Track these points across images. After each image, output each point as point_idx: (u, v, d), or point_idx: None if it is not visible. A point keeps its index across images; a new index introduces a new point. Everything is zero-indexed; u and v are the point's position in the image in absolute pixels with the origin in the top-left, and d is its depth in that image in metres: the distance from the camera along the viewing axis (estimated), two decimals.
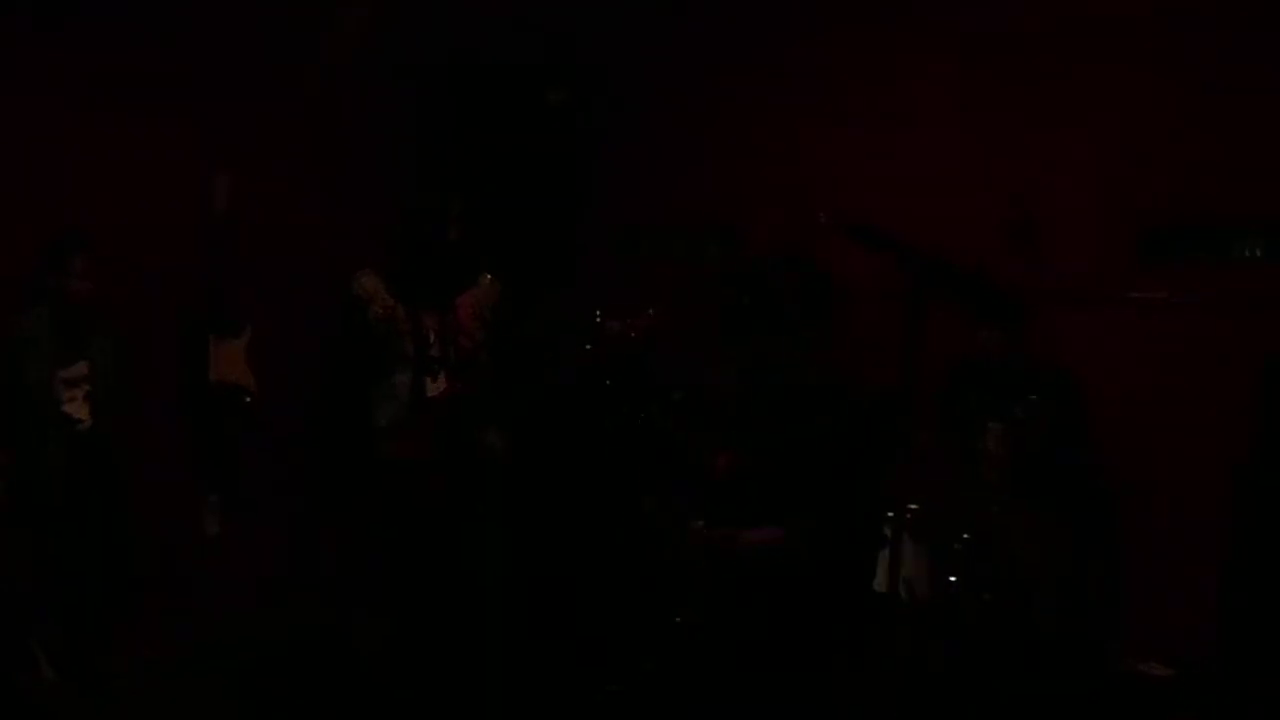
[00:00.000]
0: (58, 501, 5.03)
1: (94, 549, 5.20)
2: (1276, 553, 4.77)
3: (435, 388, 4.94)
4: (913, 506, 4.53)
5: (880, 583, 4.51)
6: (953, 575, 4.51)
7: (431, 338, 5.00)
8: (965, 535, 4.56)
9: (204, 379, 6.03)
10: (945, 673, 4.47)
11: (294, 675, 5.23)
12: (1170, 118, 5.50)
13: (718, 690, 4.40)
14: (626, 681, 4.69)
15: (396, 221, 5.40)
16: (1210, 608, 4.96)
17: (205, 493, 6.16)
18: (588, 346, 5.48)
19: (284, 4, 6.60)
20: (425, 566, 5.05)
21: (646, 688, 4.62)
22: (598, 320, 5.66)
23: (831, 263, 5.30)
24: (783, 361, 4.88)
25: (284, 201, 6.56)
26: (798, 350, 4.88)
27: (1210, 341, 5.34)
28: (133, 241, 5.78)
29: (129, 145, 6.00)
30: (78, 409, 5.16)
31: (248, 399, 6.12)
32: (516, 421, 5.14)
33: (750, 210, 6.87)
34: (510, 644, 5.04)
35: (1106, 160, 5.64)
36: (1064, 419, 4.95)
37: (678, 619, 4.57)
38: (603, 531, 5.41)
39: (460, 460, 4.93)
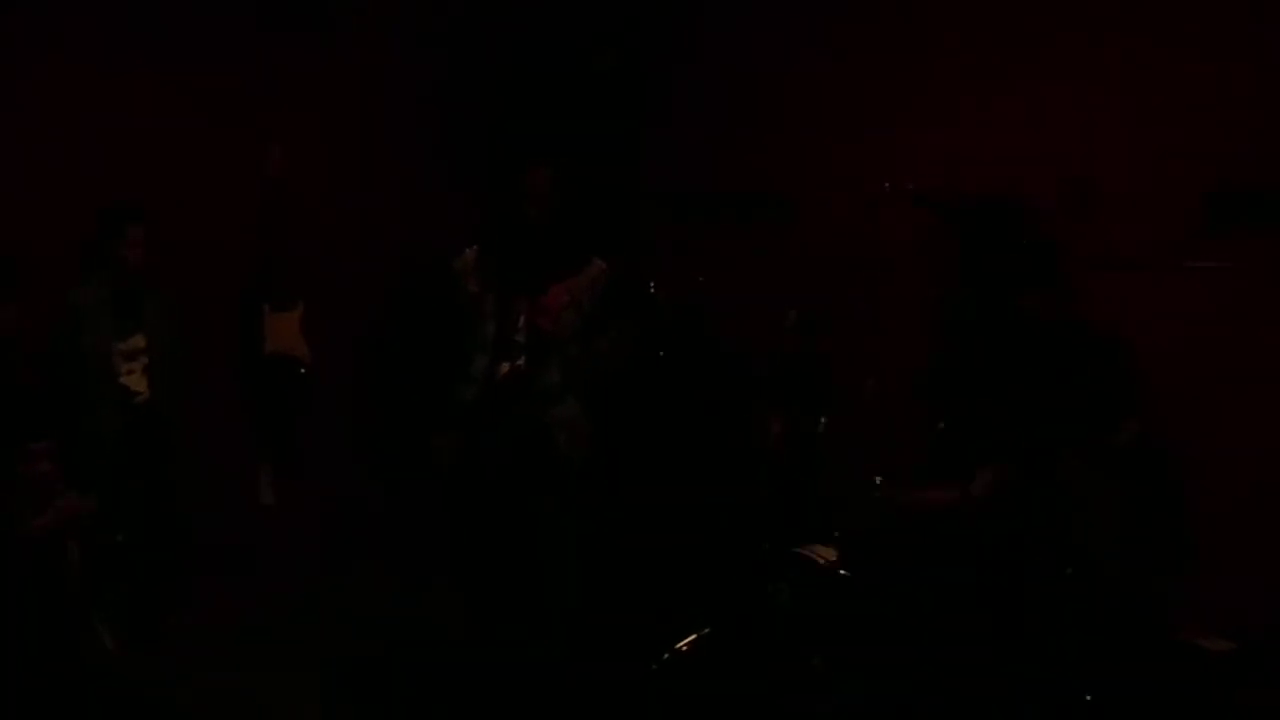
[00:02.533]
0: (116, 473, 5.06)
1: (152, 520, 5.24)
2: None
3: (503, 369, 4.87)
4: None
5: None
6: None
7: (520, 321, 4.92)
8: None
9: (259, 350, 6.06)
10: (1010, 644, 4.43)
11: (352, 645, 5.26)
12: (1235, 82, 5.38)
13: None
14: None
15: (460, 196, 5.36)
16: (1273, 582, 4.90)
17: (261, 463, 6.20)
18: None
19: None
20: (488, 542, 5.03)
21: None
22: (651, 290, 5.63)
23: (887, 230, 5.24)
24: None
25: (339, 174, 6.58)
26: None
27: (1273, 310, 5.24)
28: (188, 213, 5.80)
29: (187, 115, 6.02)
30: (136, 381, 5.19)
31: (302, 370, 6.15)
32: (592, 397, 5.05)
33: (804, 179, 6.81)
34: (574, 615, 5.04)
35: (1169, 126, 5.53)
36: (1117, 387, 4.87)
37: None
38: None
39: (523, 439, 4.86)
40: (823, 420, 5.51)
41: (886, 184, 4.34)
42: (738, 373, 6.09)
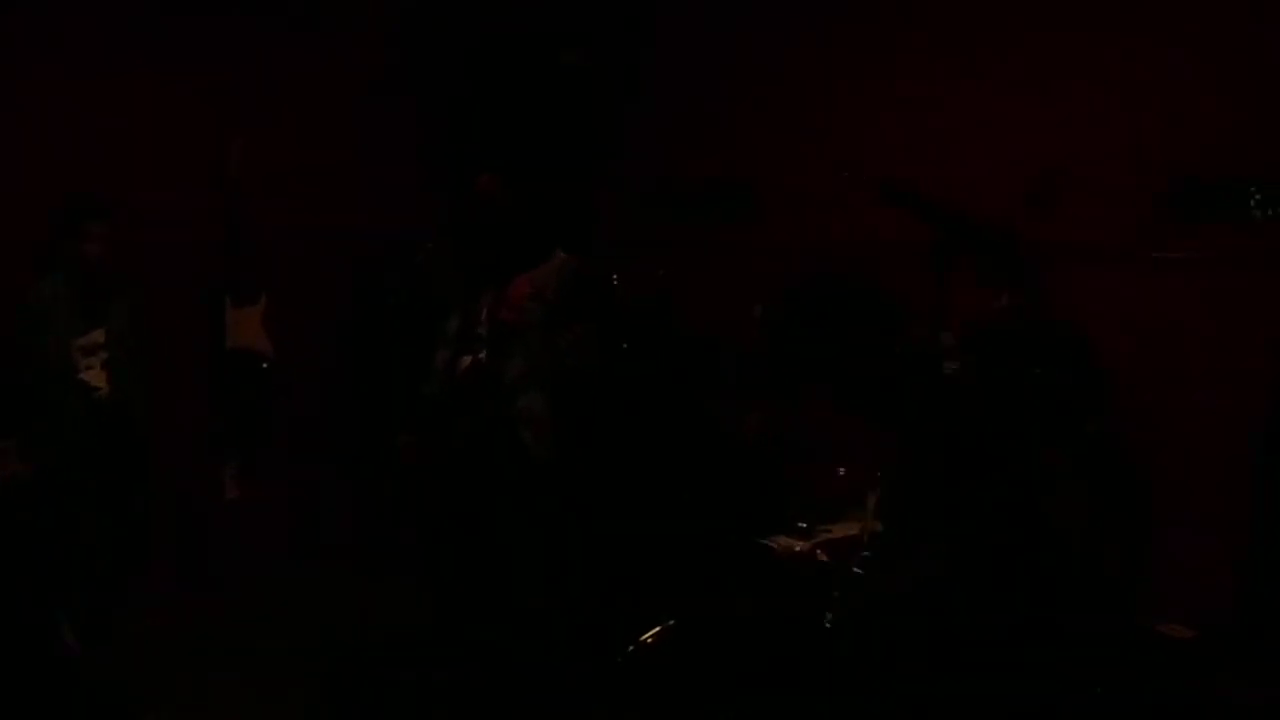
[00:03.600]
0: (77, 470, 5.03)
1: (114, 516, 5.20)
2: None
3: (465, 363, 4.85)
4: None
5: None
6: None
7: (483, 314, 4.90)
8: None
9: (222, 345, 6.03)
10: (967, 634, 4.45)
11: (317, 641, 5.24)
12: (1196, 75, 5.42)
13: None
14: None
15: (432, 191, 5.33)
16: (1232, 570, 4.94)
17: (224, 459, 6.16)
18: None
19: None
20: (453, 536, 5.02)
21: None
22: (614, 282, 5.62)
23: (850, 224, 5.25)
24: None
25: (302, 167, 6.55)
26: None
27: (1234, 300, 5.28)
28: (150, 207, 5.77)
29: (147, 109, 5.98)
30: (95, 377, 5.15)
31: (265, 365, 6.12)
32: (557, 390, 5.03)
33: (771, 171, 6.82)
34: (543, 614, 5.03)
35: (1130, 119, 5.57)
36: (1079, 379, 4.92)
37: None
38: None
39: (487, 433, 4.84)
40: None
41: (845, 172, 4.34)
42: (703, 365, 6.09)
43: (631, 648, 4.82)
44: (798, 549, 4.65)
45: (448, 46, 7.28)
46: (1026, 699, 4.20)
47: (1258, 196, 5.30)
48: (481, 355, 4.82)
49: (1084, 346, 5.05)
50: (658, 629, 4.85)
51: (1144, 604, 5.15)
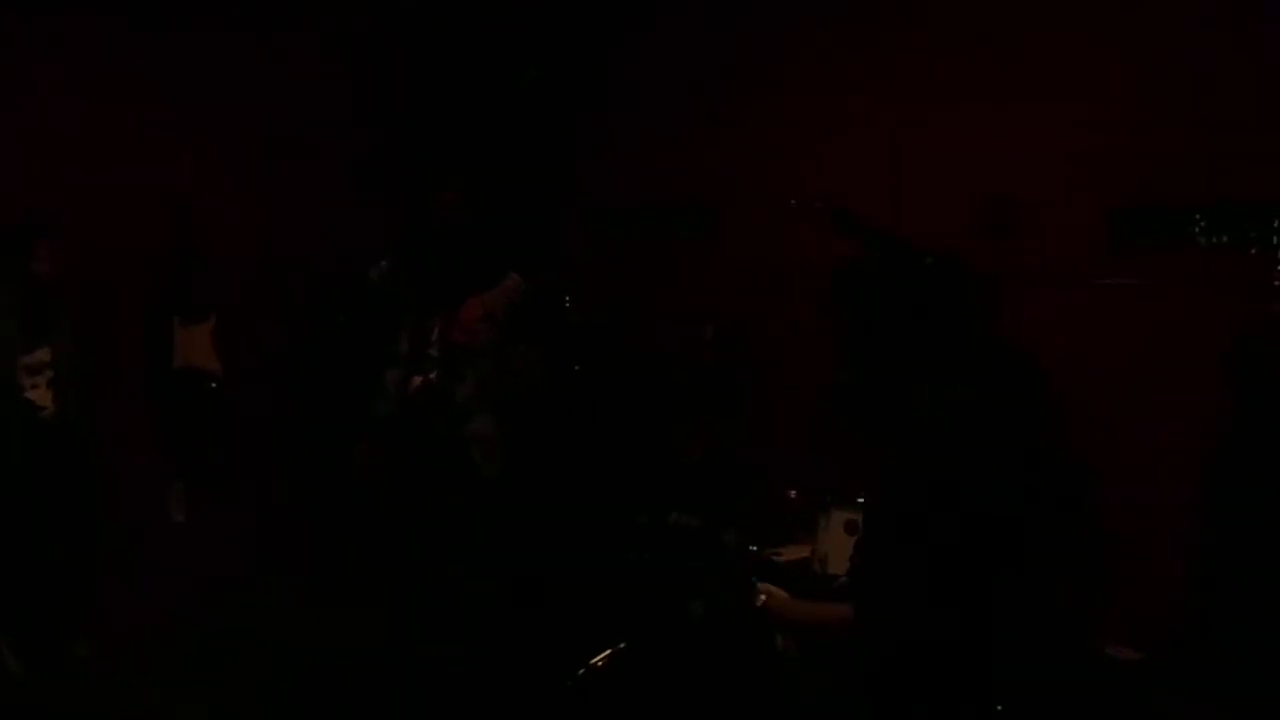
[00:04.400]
0: (22, 490, 4.97)
1: (59, 537, 5.14)
2: (1245, 538, 4.79)
3: (415, 383, 4.83)
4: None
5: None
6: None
7: (434, 335, 4.88)
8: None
9: (169, 364, 5.98)
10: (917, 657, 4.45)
11: (266, 661, 5.19)
12: (1140, 104, 5.49)
13: None
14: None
15: (390, 211, 5.28)
16: (1180, 592, 4.98)
17: (172, 479, 6.11)
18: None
19: None
20: (404, 556, 4.99)
21: None
22: (567, 304, 5.61)
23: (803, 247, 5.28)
24: None
25: (253, 184, 6.51)
26: None
27: (1180, 326, 5.34)
28: (97, 224, 5.71)
29: (97, 126, 5.93)
30: (41, 396, 5.10)
31: (213, 384, 6.07)
32: (507, 412, 5.01)
33: (724, 192, 6.85)
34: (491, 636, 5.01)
35: (1077, 146, 5.62)
36: (1028, 403, 4.95)
37: None
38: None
39: (437, 454, 4.82)
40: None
41: (793, 200, 4.37)
42: (655, 387, 6.10)
43: (582, 670, 4.81)
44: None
45: (404, 64, 7.26)
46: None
47: (1203, 223, 5.38)
48: (432, 376, 4.81)
49: (1033, 368, 5.09)
50: (608, 652, 4.84)
51: (1092, 626, 5.19)
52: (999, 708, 3.82)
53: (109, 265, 5.75)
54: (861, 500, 4.17)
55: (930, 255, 3.84)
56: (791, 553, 4.94)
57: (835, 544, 4.72)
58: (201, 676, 5.07)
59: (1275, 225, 5.22)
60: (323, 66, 6.99)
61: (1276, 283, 4.87)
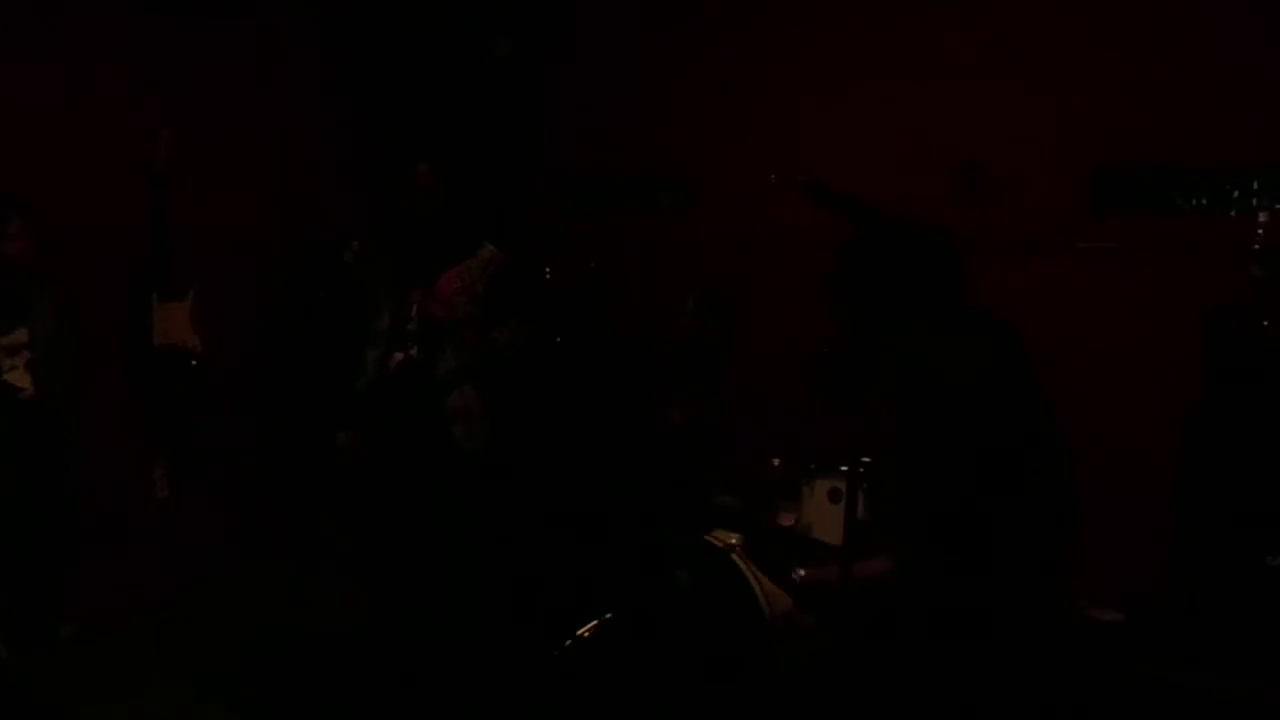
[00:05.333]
0: (2, 471, 4.94)
1: (42, 518, 5.12)
2: (1225, 500, 4.83)
3: (396, 359, 4.80)
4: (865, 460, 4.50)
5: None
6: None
7: (413, 311, 4.85)
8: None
9: (149, 342, 5.94)
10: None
11: (251, 639, 5.20)
12: (1118, 68, 5.50)
13: None
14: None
15: (361, 186, 5.26)
16: (1162, 556, 5.02)
17: (154, 457, 6.08)
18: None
19: None
20: (386, 533, 4.98)
21: None
22: (546, 276, 5.59)
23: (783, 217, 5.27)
24: None
25: (229, 162, 6.46)
26: None
27: (1159, 290, 5.37)
28: (74, 202, 5.66)
29: (73, 103, 5.88)
30: (19, 377, 5.05)
31: (193, 362, 6.04)
32: (489, 386, 4.99)
33: (704, 160, 6.84)
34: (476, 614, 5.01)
35: (1055, 110, 5.65)
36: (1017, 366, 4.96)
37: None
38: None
39: (418, 429, 4.80)
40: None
41: (773, 176, 4.36)
42: (636, 359, 6.10)
43: (568, 641, 4.83)
44: (732, 540, 4.68)
45: (377, 39, 7.22)
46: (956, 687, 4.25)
47: (1179, 186, 5.40)
48: (413, 351, 4.79)
49: (1008, 333, 5.11)
50: (594, 623, 4.86)
51: (1074, 588, 5.22)
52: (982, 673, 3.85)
53: (86, 244, 5.69)
54: (861, 462, 4.16)
55: (913, 227, 3.84)
56: (776, 520, 4.96)
57: (819, 511, 4.74)
58: (186, 655, 5.07)
59: (1254, 188, 5.24)
60: (295, 44, 6.95)
61: (1255, 246, 4.89)
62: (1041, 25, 5.70)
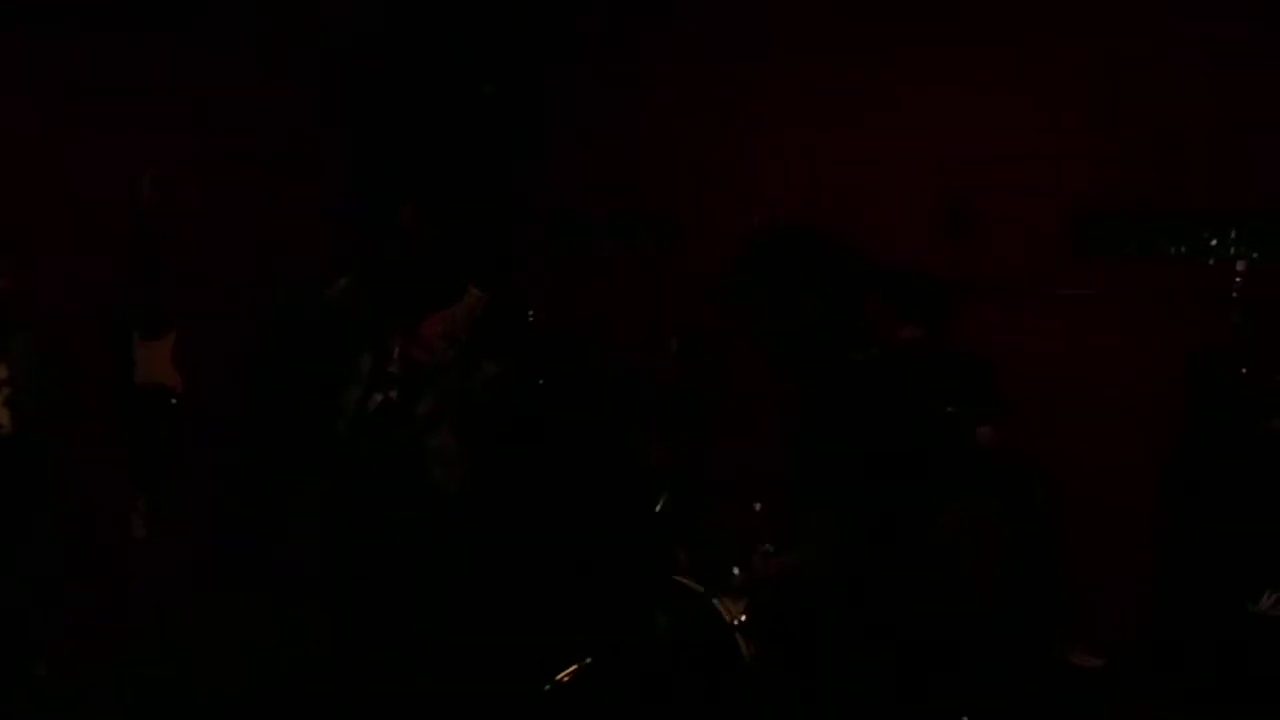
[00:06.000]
0: None
1: (20, 555, 5.08)
2: (1204, 545, 4.84)
3: (375, 401, 4.80)
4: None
5: None
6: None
7: (395, 353, 4.85)
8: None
9: (129, 380, 5.92)
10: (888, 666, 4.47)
11: (227, 679, 5.15)
12: (1101, 115, 5.55)
13: None
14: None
15: (344, 227, 5.22)
16: (1141, 600, 5.02)
17: (133, 495, 6.05)
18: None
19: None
20: (363, 574, 4.96)
21: None
22: (530, 318, 5.59)
23: None
24: None
25: (212, 200, 6.46)
26: None
27: (1140, 334, 5.40)
28: (55, 239, 5.65)
29: (54, 139, 5.87)
30: None
31: (174, 400, 6.02)
32: (469, 428, 4.98)
33: (687, 200, 6.85)
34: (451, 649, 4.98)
35: (1037, 156, 5.68)
36: (984, 410, 5.02)
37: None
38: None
39: (397, 471, 4.79)
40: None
41: (755, 219, 4.40)
42: (618, 401, 6.09)
43: (548, 686, 4.80)
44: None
45: (363, 79, 7.23)
46: None
47: (1160, 232, 5.44)
48: (392, 394, 4.79)
49: (986, 376, 5.16)
50: (574, 666, 4.83)
51: (1054, 633, 5.22)
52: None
53: (68, 281, 5.68)
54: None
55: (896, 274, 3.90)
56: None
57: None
58: (163, 692, 5.02)
59: (1232, 237, 5.29)
60: (283, 85, 6.95)
61: (1234, 294, 4.92)
62: (1025, 69, 5.75)
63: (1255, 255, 5.18)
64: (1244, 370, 4.91)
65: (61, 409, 5.29)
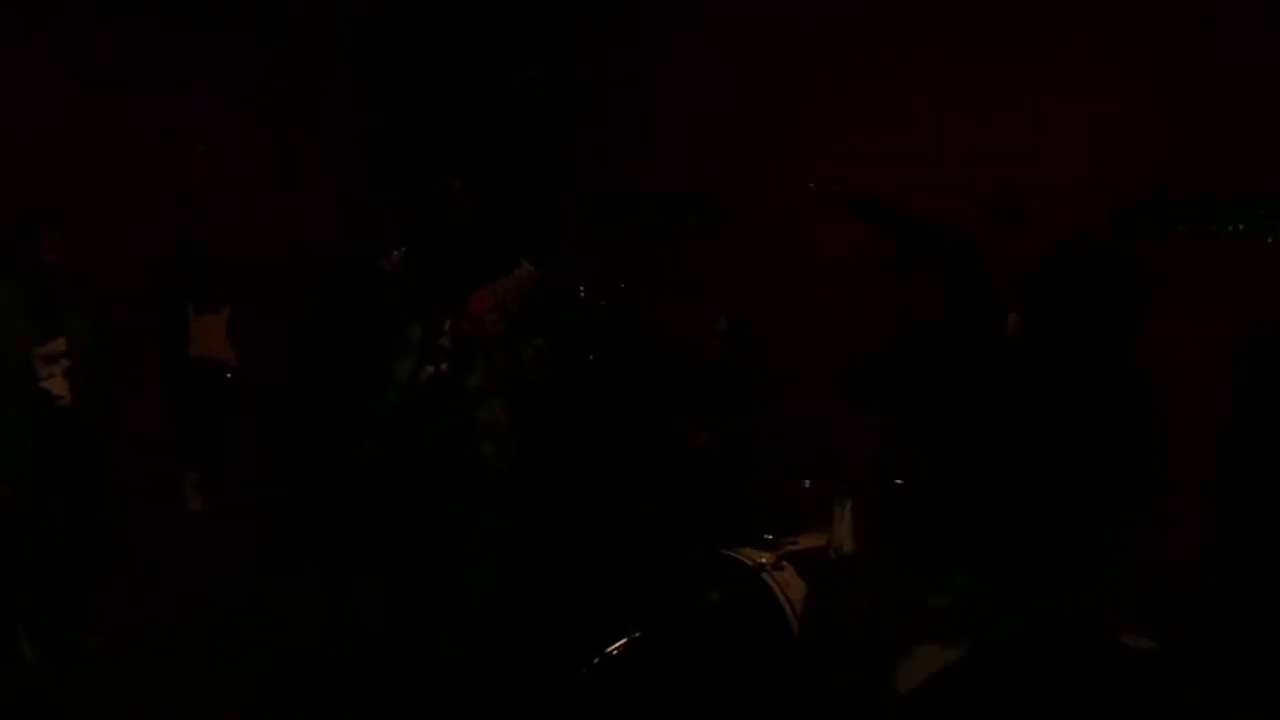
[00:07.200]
0: (38, 480, 4.96)
1: (75, 528, 5.14)
2: (1258, 526, 4.78)
3: (426, 373, 4.82)
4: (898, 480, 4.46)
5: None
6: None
7: (445, 325, 4.86)
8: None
9: (184, 354, 5.97)
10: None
11: (279, 650, 5.19)
12: (1153, 93, 5.49)
13: None
14: None
15: (398, 202, 5.22)
16: (1195, 580, 4.98)
17: (187, 468, 6.11)
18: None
19: None
20: (413, 547, 4.98)
21: None
22: (581, 294, 5.59)
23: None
24: None
25: (265, 176, 6.51)
26: None
27: (1195, 310, 5.34)
28: (112, 214, 5.72)
29: (110, 117, 5.94)
30: (57, 385, 5.08)
31: (228, 375, 6.07)
32: (518, 402, 4.97)
33: (736, 180, 6.84)
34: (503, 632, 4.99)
35: (1088, 134, 5.63)
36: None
37: None
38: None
39: (447, 444, 4.80)
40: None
41: (811, 184, 4.36)
42: (666, 379, 6.09)
43: (597, 660, 4.81)
44: (763, 560, 4.67)
45: (413, 59, 7.26)
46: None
47: (1216, 211, 5.38)
48: (443, 366, 4.80)
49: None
50: (623, 641, 4.84)
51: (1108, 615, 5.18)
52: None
53: (123, 256, 5.74)
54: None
55: (950, 234, 3.82)
56: (807, 541, 4.93)
57: (851, 532, 4.70)
58: (213, 666, 5.07)
59: None
60: (331, 60, 6.99)
61: None
62: (1077, 49, 5.69)
63: None
64: None
65: (116, 382, 5.35)
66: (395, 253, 5.04)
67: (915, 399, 3.01)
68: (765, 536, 4.89)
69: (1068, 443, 2.77)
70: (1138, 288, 2.85)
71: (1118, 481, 2.81)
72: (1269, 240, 5.28)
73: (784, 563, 4.70)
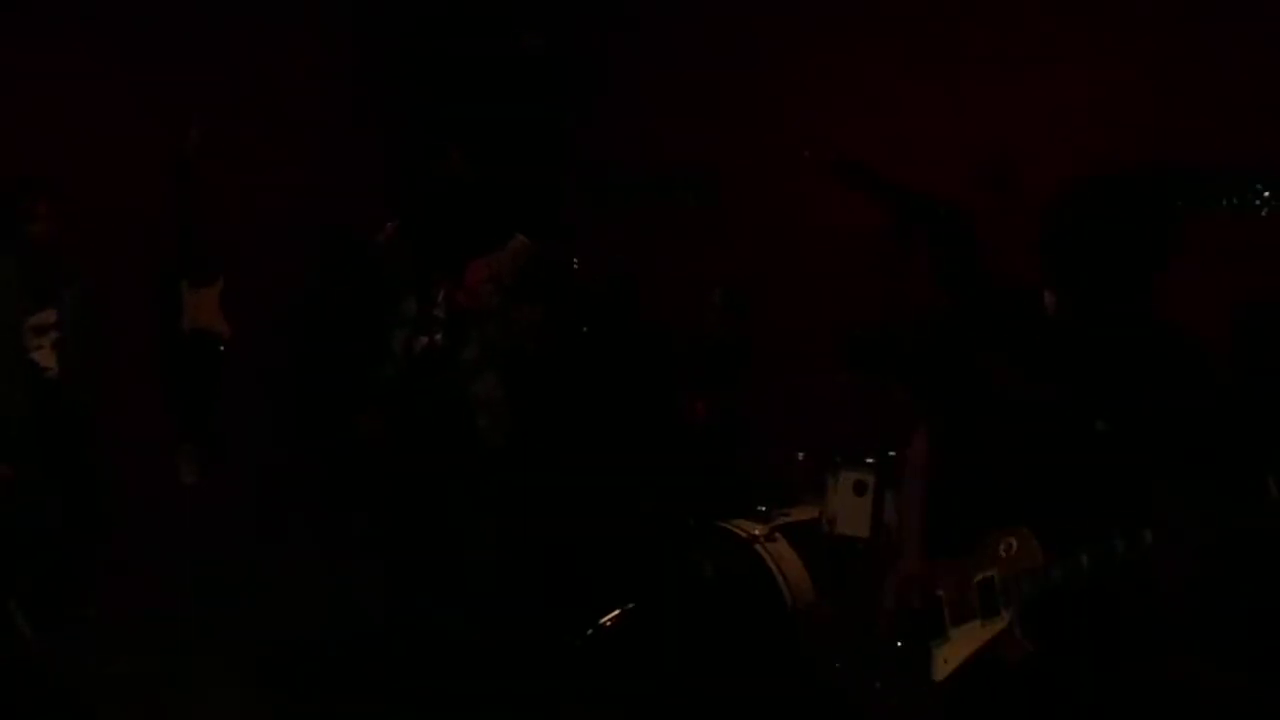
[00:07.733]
0: (27, 452, 4.94)
1: (66, 500, 5.13)
2: (1255, 496, 4.76)
3: (421, 344, 4.82)
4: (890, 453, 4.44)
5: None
6: None
7: (440, 297, 4.86)
8: None
9: (179, 327, 5.96)
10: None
11: (274, 623, 5.20)
12: (1142, 67, 5.47)
13: None
14: None
15: (393, 174, 5.19)
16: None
17: (181, 441, 6.10)
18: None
19: None
20: (408, 518, 4.98)
21: None
22: (575, 267, 5.58)
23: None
24: None
25: (259, 148, 6.48)
26: None
27: (1183, 289, 5.32)
28: (106, 186, 5.69)
29: (102, 88, 5.91)
30: (46, 357, 5.06)
31: (222, 347, 6.06)
32: (513, 374, 4.96)
33: (731, 154, 6.82)
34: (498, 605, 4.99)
35: (1078, 109, 5.61)
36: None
37: None
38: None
39: (442, 417, 4.80)
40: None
41: (806, 152, 4.33)
42: (661, 352, 6.09)
43: (591, 631, 4.83)
44: (756, 532, 4.67)
45: (409, 30, 7.23)
46: None
47: (1208, 186, 5.36)
48: (437, 337, 4.80)
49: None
50: (617, 612, 4.86)
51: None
52: None
53: (116, 228, 5.73)
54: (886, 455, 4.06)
55: (942, 204, 3.80)
56: (800, 514, 4.94)
57: (844, 505, 4.71)
58: (208, 639, 5.07)
59: None
60: (327, 30, 6.96)
61: None
62: (1070, 22, 5.67)
63: None
64: None
65: (108, 354, 5.33)
66: (389, 224, 5.02)
67: (967, 393, 2.86)
68: (759, 508, 4.90)
69: (1135, 418, 2.64)
70: (1163, 216, 2.66)
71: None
72: (1262, 214, 5.26)
73: (777, 535, 4.71)
